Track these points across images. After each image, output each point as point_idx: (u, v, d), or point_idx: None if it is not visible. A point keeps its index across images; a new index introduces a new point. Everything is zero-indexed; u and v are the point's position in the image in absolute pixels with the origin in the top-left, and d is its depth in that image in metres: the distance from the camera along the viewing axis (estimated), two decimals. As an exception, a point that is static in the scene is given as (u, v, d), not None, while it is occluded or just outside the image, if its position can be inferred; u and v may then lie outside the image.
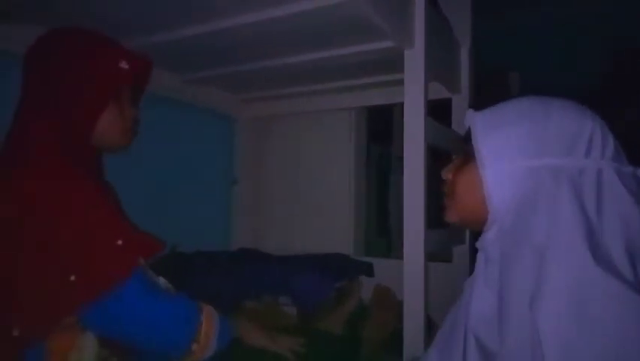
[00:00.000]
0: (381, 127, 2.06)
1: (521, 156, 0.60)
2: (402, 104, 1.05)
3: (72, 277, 0.69)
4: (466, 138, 0.68)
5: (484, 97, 1.61)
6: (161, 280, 0.82)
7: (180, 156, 1.60)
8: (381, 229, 2.08)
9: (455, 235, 1.31)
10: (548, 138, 0.60)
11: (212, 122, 1.75)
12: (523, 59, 2.53)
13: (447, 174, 0.72)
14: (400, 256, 1.02)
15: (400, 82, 1.06)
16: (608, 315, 0.49)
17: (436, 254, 1.20)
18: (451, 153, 1.34)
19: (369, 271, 1.45)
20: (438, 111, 1.25)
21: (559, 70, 2.64)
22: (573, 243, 0.53)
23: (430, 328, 1.13)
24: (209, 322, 0.83)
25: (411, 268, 1.00)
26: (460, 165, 0.70)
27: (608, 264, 0.52)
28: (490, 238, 0.64)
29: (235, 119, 1.81)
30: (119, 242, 0.74)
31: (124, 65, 0.82)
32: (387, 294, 1.31)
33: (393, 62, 1.13)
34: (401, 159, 1.03)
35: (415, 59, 1.02)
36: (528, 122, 0.61)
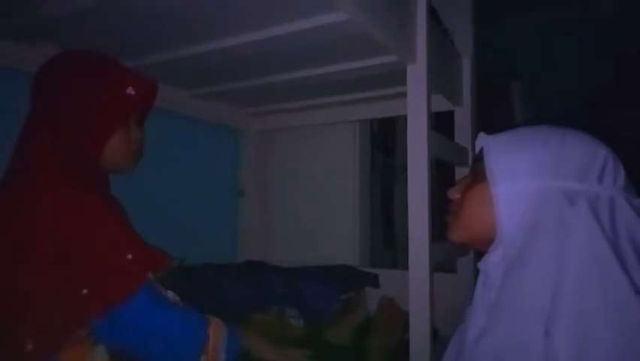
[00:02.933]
0: (385, 138, 2.08)
1: (535, 176, 0.60)
2: (404, 116, 1.06)
3: (84, 291, 0.71)
4: (477, 158, 0.69)
5: (486, 105, 1.63)
6: (170, 294, 0.84)
7: (187, 169, 1.61)
8: (387, 240, 2.08)
9: (460, 247, 1.31)
10: (563, 161, 0.60)
11: (219, 136, 1.77)
12: (524, 67, 2.54)
13: (454, 194, 0.72)
14: (406, 267, 1.03)
15: (403, 95, 1.07)
16: None
17: (440, 265, 1.21)
18: (453, 164, 1.36)
19: (374, 282, 1.45)
20: (440, 122, 1.27)
21: (560, 77, 2.65)
22: (605, 265, 0.52)
23: (436, 338, 1.13)
24: (217, 334, 0.84)
25: (416, 280, 1.01)
26: (469, 184, 0.69)
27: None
28: (493, 261, 0.63)
29: (242, 132, 1.83)
30: (129, 256, 0.76)
31: (131, 91, 0.84)
32: (392, 305, 1.31)
33: (395, 76, 1.14)
34: (405, 169, 1.04)
35: (417, 74, 1.03)
36: (543, 145, 0.61)
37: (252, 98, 1.61)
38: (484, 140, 0.68)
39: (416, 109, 1.03)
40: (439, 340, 1.21)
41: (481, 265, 0.67)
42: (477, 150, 0.70)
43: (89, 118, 0.81)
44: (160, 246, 0.83)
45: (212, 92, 1.48)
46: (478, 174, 0.67)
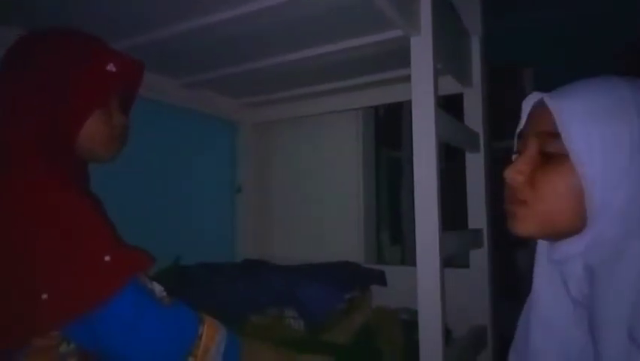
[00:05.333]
0: (390, 130, 1.99)
1: (634, 154, 0.50)
2: (410, 102, 0.96)
3: (44, 296, 0.61)
4: (545, 131, 0.57)
5: (497, 93, 1.54)
6: (157, 288, 0.74)
7: (181, 164, 1.53)
8: (394, 235, 1.99)
9: (472, 238, 1.21)
10: None
11: (214, 128, 1.69)
12: (536, 55, 2.44)
13: (518, 176, 0.59)
14: (415, 263, 0.94)
15: (409, 78, 0.98)
16: None
17: (451, 259, 1.11)
18: (463, 150, 1.26)
19: (381, 279, 1.36)
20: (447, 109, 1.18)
21: (573, 65, 2.54)
22: None
23: (449, 340, 1.04)
24: (211, 335, 0.75)
25: (425, 276, 0.92)
26: (539, 164, 0.58)
27: None
28: (574, 251, 0.53)
29: (238, 124, 1.75)
30: (107, 258, 0.66)
31: (111, 68, 0.76)
32: (383, 312, 1.23)
33: (399, 57, 1.05)
34: (411, 162, 0.95)
35: (422, 46, 0.94)
36: (637, 115, 0.50)
37: (247, 87, 1.53)
38: (556, 106, 0.55)
39: (422, 85, 0.93)
40: (451, 341, 1.11)
41: (556, 255, 0.57)
42: (525, 111, 0.58)
43: (64, 97, 0.72)
44: (153, 246, 0.74)
45: (202, 80, 1.39)
46: (551, 151, 0.56)
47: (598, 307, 0.49)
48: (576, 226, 0.54)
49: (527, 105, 0.62)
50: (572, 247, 0.54)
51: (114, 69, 0.76)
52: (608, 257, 0.50)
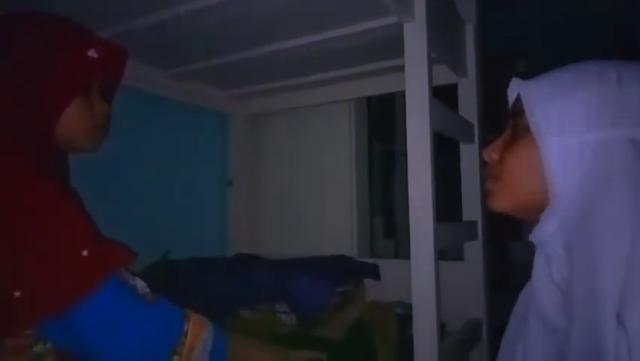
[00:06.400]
0: (383, 123, 1.96)
1: (593, 126, 0.50)
2: (404, 95, 0.94)
3: (16, 293, 0.58)
4: (516, 110, 0.58)
5: (491, 84, 1.52)
6: (139, 283, 0.71)
7: (171, 157, 1.50)
8: (387, 229, 1.97)
9: (467, 230, 1.19)
10: (623, 105, 0.49)
11: (204, 121, 1.65)
12: (530, 45, 2.42)
13: (491, 154, 0.62)
14: (408, 257, 0.92)
15: (402, 68, 0.95)
16: None
17: (445, 252, 1.09)
18: (457, 140, 1.24)
19: (374, 273, 1.34)
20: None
21: (568, 56, 2.53)
22: None
23: (443, 334, 1.02)
24: (196, 333, 0.72)
25: (420, 269, 0.89)
26: (509, 141, 0.59)
27: None
28: (549, 230, 0.53)
29: (228, 116, 1.71)
30: (84, 253, 0.63)
31: (92, 53, 0.72)
32: (377, 306, 1.21)
33: (392, 46, 1.02)
34: (405, 154, 0.92)
35: (416, 32, 0.91)
36: (597, 87, 0.51)
37: (237, 78, 1.49)
38: (522, 86, 0.57)
39: (415, 73, 0.91)
40: (446, 335, 1.09)
41: (534, 237, 0.57)
42: (511, 98, 0.60)
43: (42, 83, 0.69)
44: (142, 240, 0.72)
45: (190, 71, 1.35)
46: (519, 128, 0.57)
47: (574, 289, 0.48)
48: (546, 201, 0.54)
49: (511, 93, 0.62)
50: (546, 225, 0.54)
51: (95, 55, 0.72)
52: (582, 232, 0.49)
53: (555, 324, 0.53)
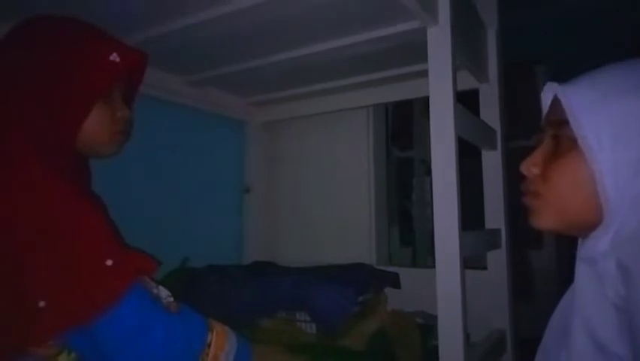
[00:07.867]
0: (401, 130, 1.94)
1: None
2: (422, 101, 0.92)
3: (41, 303, 0.57)
4: (558, 119, 0.54)
5: (510, 90, 1.50)
6: (163, 292, 0.70)
7: (189, 164, 1.50)
8: (405, 237, 1.94)
9: (490, 238, 1.17)
10: None
11: (221, 128, 1.65)
12: (549, 51, 2.39)
13: (533, 168, 0.57)
14: (426, 265, 0.89)
15: (422, 73, 0.94)
16: None
17: (467, 260, 1.07)
18: (480, 147, 1.21)
19: (395, 282, 1.31)
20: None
21: (586, 61, 2.49)
22: None
23: (468, 345, 0.99)
24: (219, 344, 0.71)
25: (445, 278, 0.87)
26: (551, 154, 0.55)
27: None
28: (602, 247, 0.50)
29: (246, 123, 1.71)
30: (109, 262, 0.62)
31: (115, 58, 0.71)
32: (400, 316, 1.18)
33: (413, 51, 1.01)
34: (423, 161, 0.91)
35: (440, 37, 0.90)
36: None
37: (254, 85, 1.49)
38: (561, 92, 0.52)
39: (440, 78, 0.89)
40: (471, 346, 1.07)
41: (583, 254, 0.53)
42: (545, 104, 0.56)
43: (65, 88, 0.68)
44: (159, 247, 0.71)
45: (209, 78, 1.35)
46: (563, 139, 0.53)
47: (636, 311, 0.45)
48: (595, 218, 0.51)
49: (546, 98, 0.59)
50: (598, 242, 0.51)
51: (118, 59, 0.71)
52: (634, 258, 0.46)
53: (607, 345, 0.50)
